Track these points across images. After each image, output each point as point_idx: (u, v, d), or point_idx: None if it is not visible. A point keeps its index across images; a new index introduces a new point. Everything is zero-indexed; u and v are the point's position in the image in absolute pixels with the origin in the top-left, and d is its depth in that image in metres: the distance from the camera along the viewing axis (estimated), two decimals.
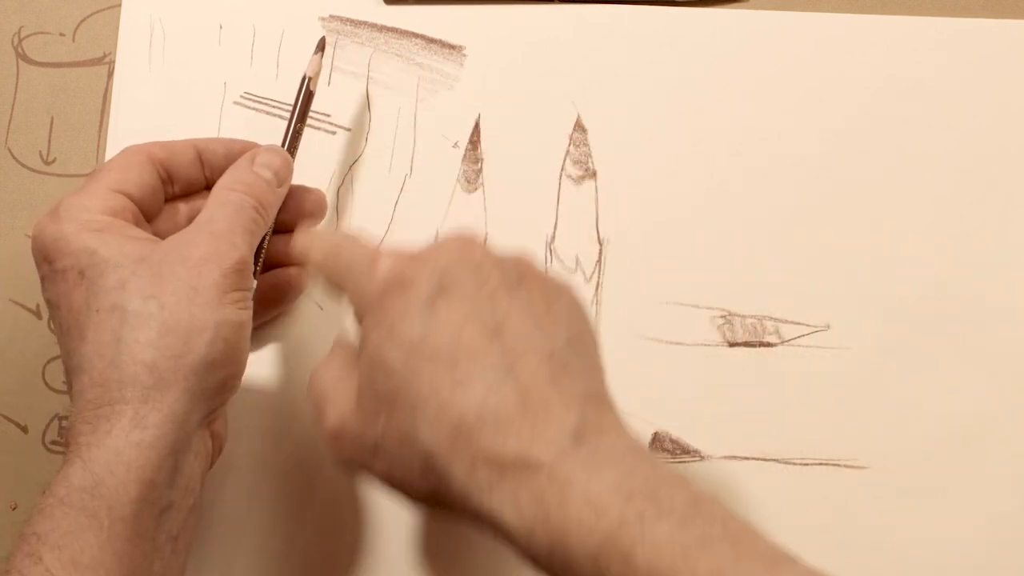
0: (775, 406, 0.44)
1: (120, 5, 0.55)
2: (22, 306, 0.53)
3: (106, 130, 0.54)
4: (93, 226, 0.43)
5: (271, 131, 0.53)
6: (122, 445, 0.39)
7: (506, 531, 0.35)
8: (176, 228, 0.45)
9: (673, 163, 0.52)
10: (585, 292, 0.51)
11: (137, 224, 0.45)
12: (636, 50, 0.53)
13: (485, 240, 0.39)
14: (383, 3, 0.54)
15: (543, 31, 0.53)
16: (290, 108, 0.50)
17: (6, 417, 0.52)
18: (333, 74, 0.54)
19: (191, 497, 0.42)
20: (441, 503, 0.37)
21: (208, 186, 0.47)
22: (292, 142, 0.49)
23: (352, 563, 0.50)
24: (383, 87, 0.54)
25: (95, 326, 0.41)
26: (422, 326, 0.37)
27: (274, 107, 0.54)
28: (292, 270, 0.49)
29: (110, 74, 0.55)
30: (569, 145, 0.52)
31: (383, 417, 0.38)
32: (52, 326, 0.44)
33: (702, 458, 0.49)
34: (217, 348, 0.41)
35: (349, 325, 0.51)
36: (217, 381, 0.42)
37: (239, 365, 0.43)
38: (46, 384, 0.52)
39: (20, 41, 0.55)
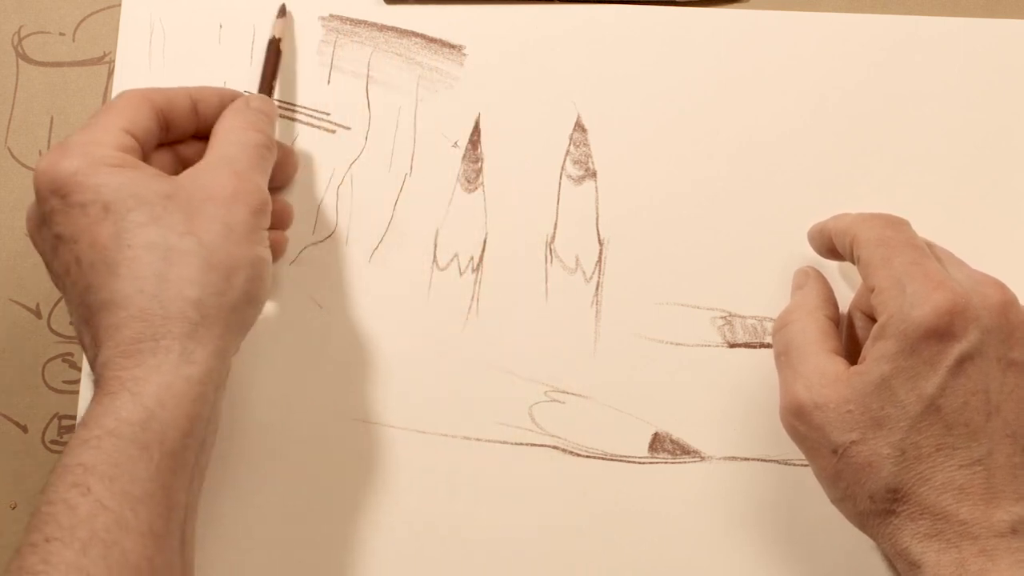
0: (775, 407, 0.44)
1: (120, 5, 0.55)
2: (22, 306, 0.53)
3: None
4: (109, 161, 0.43)
5: None
6: (172, 379, 0.40)
7: (916, 570, 0.40)
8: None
9: (673, 163, 0.52)
10: (585, 292, 0.51)
11: None
12: (636, 50, 0.53)
13: (1016, 300, 0.42)
14: (383, 2, 0.54)
15: (543, 31, 0.53)
16: (287, 104, 0.52)
17: (6, 417, 0.52)
18: (333, 73, 0.54)
19: (216, 431, 0.43)
20: (864, 522, 0.42)
21: (197, 135, 0.48)
22: (268, 94, 0.52)
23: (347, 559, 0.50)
24: (383, 86, 0.53)
25: (129, 261, 0.41)
26: (940, 384, 0.40)
27: None
28: (275, 233, 0.49)
29: (110, 74, 0.54)
30: (569, 145, 0.52)
31: (861, 432, 0.40)
32: (54, 264, 0.43)
33: (702, 459, 0.50)
34: (254, 285, 0.43)
35: (350, 326, 0.51)
36: (250, 317, 0.44)
37: (264, 302, 0.45)
38: (46, 384, 0.52)
39: (20, 41, 0.55)
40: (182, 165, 0.47)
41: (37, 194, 0.43)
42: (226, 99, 0.48)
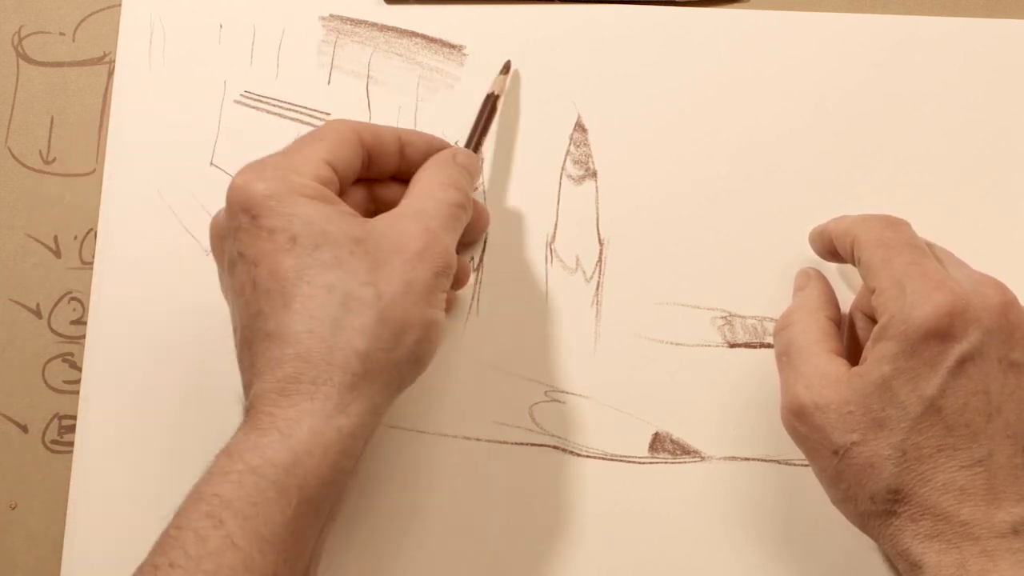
0: (775, 407, 0.44)
1: (120, 5, 0.55)
2: (22, 306, 0.53)
3: (106, 130, 0.54)
4: (306, 192, 0.42)
5: (272, 130, 0.53)
6: (324, 428, 0.39)
7: (917, 571, 0.40)
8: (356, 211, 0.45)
9: (673, 163, 0.52)
10: (585, 292, 0.51)
11: None
12: (637, 50, 0.53)
13: (1016, 301, 0.42)
14: (383, 2, 0.54)
15: (543, 31, 0.53)
16: (287, 104, 0.51)
17: (6, 417, 0.52)
18: (333, 73, 0.54)
19: (354, 481, 0.42)
20: (866, 523, 0.42)
21: (397, 176, 0.47)
22: (476, 149, 0.50)
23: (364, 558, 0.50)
24: (383, 86, 0.54)
25: (305, 298, 0.40)
26: (941, 385, 0.40)
27: (274, 106, 0.54)
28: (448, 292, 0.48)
29: (110, 74, 0.54)
30: (569, 145, 0.52)
31: (862, 433, 0.40)
32: (229, 279, 0.43)
33: (702, 459, 0.50)
34: (422, 347, 0.42)
35: None
36: (411, 377, 0.43)
37: (428, 364, 0.43)
38: (46, 384, 0.52)
39: (20, 41, 0.55)
40: (375, 205, 0.47)
41: (228, 207, 0.42)
42: (433, 147, 0.47)
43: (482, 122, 0.51)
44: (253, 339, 0.41)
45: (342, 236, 0.41)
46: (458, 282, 0.49)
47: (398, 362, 0.41)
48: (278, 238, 0.41)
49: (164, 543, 0.38)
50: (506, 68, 0.52)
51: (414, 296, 0.41)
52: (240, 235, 0.41)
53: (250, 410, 0.40)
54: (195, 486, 0.39)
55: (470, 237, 0.50)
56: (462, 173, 0.46)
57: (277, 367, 0.40)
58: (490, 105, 0.51)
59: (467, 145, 0.50)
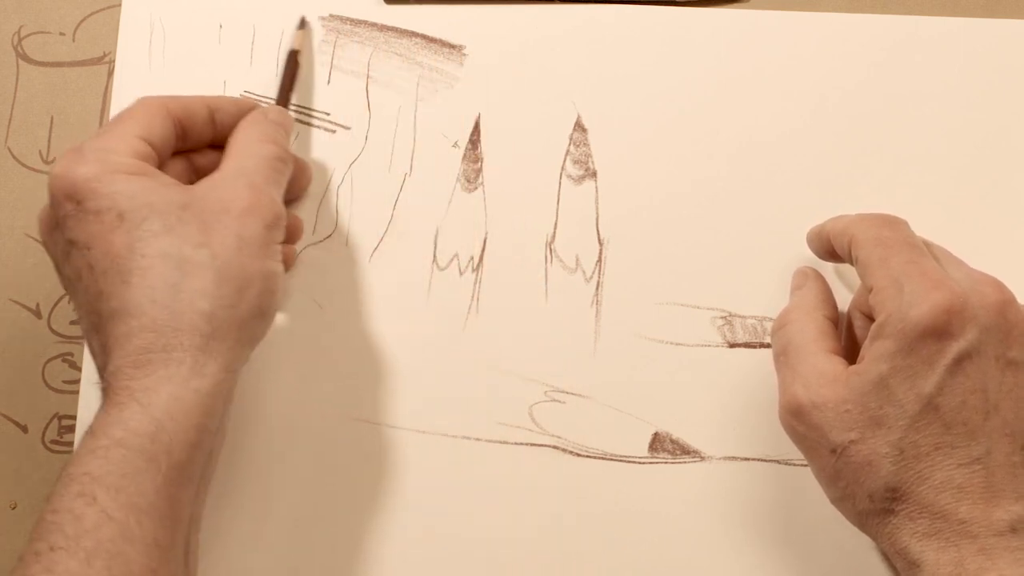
0: (775, 407, 0.44)
1: (120, 5, 0.55)
2: (22, 306, 0.53)
3: None
4: (125, 168, 0.42)
5: None
6: (182, 392, 0.40)
7: (915, 569, 0.40)
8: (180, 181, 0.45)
9: (673, 163, 0.52)
10: (585, 292, 0.51)
11: None
12: (637, 50, 0.53)
13: (1014, 299, 0.42)
14: (383, 2, 0.54)
15: (543, 31, 0.53)
16: (295, 109, 0.52)
17: (6, 417, 0.52)
18: (333, 73, 0.54)
19: (222, 442, 0.43)
20: (864, 522, 0.42)
21: (213, 144, 0.48)
22: (284, 105, 0.52)
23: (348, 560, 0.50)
24: (383, 86, 0.54)
25: (142, 270, 0.41)
26: (938, 383, 0.40)
27: None
28: (284, 247, 0.49)
29: (110, 74, 0.55)
30: (569, 145, 0.52)
31: (860, 432, 0.40)
32: (66, 268, 0.43)
33: (702, 459, 0.50)
34: (265, 299, 0.43)
35: (351, 326, 0.51)
36: (260, 331, 0.44)
37: (274, 316, 0.44)
38: (46, 384, 0.52)
39: (20, 41, 0.55)
40: (197, 174, 0.47)
41: (51, 198, 0.43)
42: (243, 109, 0.48)
43: (286, 78, 0.52)
44: (99, 321, 0.41)
45: (168, 205, 0.42)
46: (291, 236, 0.50)
47: (244, 317, 0.42)
48: (106, 218, 0.41)
49: (42, 528, 0.38)
50: (302, 24, 0.53)
51: (249, 251, 0.42)
52: (68, 223, 0.42)
53: (107, 389, 0.41)
54: (64, 469, 0.39)
55: (294, 193, 0.51)
56: (277, 129, 0.47)
57: (127, 342, 0.40)
58: (292, 61, 0.52)
59: (276, 102, 0.51)
